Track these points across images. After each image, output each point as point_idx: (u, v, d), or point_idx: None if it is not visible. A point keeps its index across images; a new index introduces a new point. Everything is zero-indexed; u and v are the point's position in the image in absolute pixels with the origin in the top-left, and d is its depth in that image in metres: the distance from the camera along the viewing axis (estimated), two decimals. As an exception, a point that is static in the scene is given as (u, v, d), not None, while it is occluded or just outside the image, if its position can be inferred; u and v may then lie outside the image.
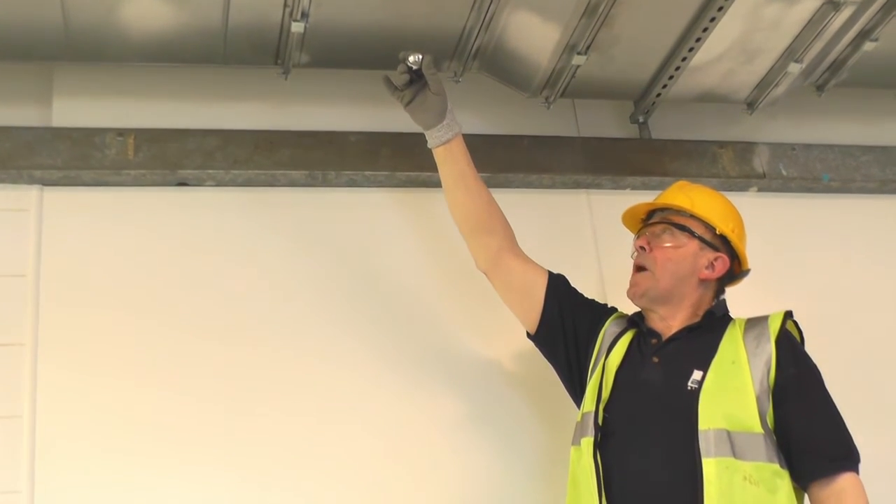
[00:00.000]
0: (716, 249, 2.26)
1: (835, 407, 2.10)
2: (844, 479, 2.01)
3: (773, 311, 2.18)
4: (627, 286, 2.29)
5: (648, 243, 2.27)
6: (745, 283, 2.35)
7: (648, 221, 2.34)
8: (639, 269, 2.28)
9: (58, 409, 2.38)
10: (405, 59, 2.26)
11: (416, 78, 2.30)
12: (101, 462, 2.35)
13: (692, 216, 2.28)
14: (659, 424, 2.09)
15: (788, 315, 2.18)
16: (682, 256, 2.24)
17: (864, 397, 2.59)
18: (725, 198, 2.36)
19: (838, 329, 2.76)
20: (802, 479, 2.05)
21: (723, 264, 2.26)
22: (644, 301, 2.26)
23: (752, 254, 2.33)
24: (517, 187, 2.79)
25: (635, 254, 2.30)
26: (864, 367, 2.77)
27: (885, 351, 2.83)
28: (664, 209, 2.33)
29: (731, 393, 2.07)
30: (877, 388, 2.76)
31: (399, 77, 2.29)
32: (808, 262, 2.91)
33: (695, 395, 2.07)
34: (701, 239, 2.26)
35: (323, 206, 2.69)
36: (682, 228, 2.26)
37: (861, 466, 2.05)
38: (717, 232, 2.27)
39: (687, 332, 2.21)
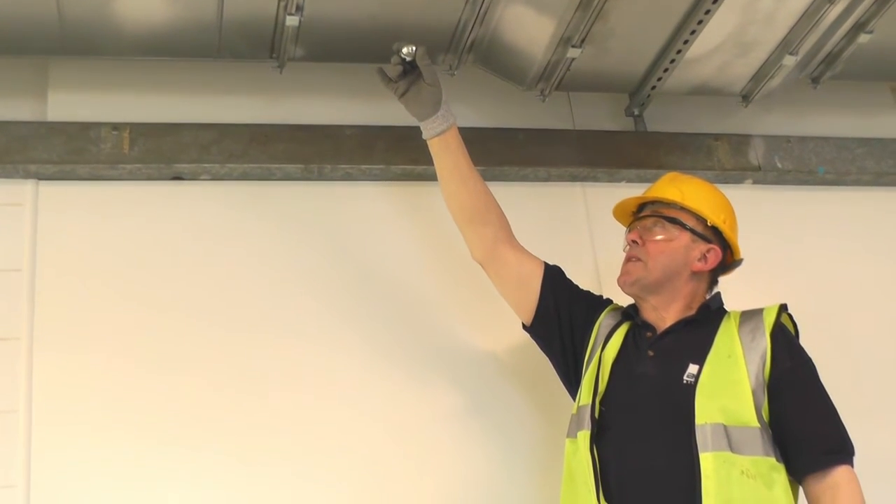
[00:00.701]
0: (708, 241, 2.26)
1: (829, 400, 2.10)
2: (839, 473, 2.02)
3: (768, 304, 2.18)
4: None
5: (640, 237, 2.27)
6: (740, 275, 2.35)
7: (639, 215, 2.34)
8: (630, 258, 2.28)
9: (54, 403, 2.38)
10: (399, 50, 2.26)
11: (410, 69, 2.30)
12: (98, 456, 2.35)
13: (683, 208, 2.28)
14: (655, 418, 2.09)
15: (783, 308, 2.18)
16: (673, 249, 2.25)
17: (859, 390, 2.59)
18: (716, 188, 2.37)
19: (833, 322, 2.77)
20: (797, 472, 2.05)
21: (715, 256, 2.26)
22: (634, 289, 2.26)
23: (747, 247, 2.34)
24: (512, 180, 2.79)
25: (627, 248, 2.31)
26: (859, 360, 2.77)
27: (879, 343, 2.83)
28: (655, 202, 2.33)
29: (728, 387, 2.07)
30: (871, 381, 2.76)
31: (393, 68, 2.29)
32: (803, 254, 2.91)
33: (691, 389, 2.07)
34: (692, 231, 2.26)
35: (318, 199, 2.69)
36: (673, 221, 2.26)
37: (857, 460, 2.05)
38: (709, 223, 2.27)
39: (682, 326, 2.21)
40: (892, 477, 2.50)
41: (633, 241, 2.28)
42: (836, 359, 2.35)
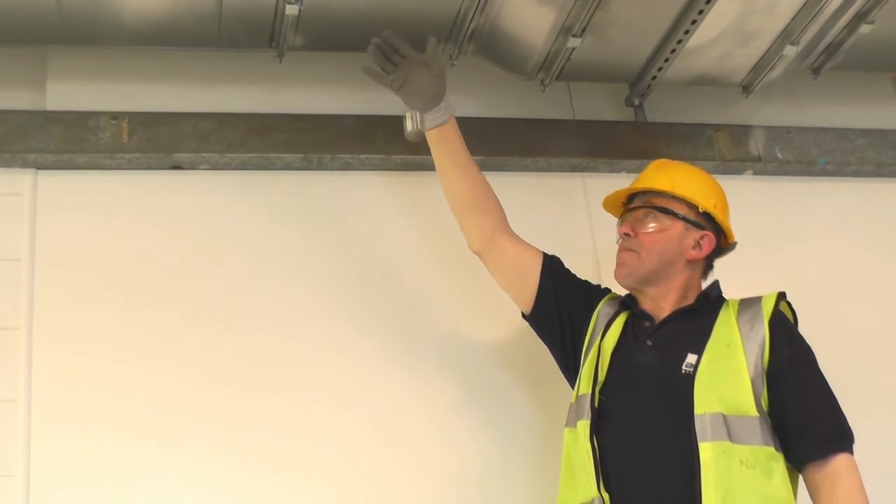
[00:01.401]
0: (701, 227, 2.25)
1: (829, 388, 2.10)
2: (839, 461, 2.01)
3: (767, 293, 2.18)
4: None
5: (633, 229, 2.26)
6: (739, 266, 2.35)
7: (630, 206, 2.32)
8: (624, 250, 2.27)
9: (53, 392, 2.38)
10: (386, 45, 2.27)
11: (400, 60, 2.30)
12: (97, 446, 2.35)
13: (674, 197, 2.26)
14: (655, 408, 2.09)
15: (782, 296, 2.18)
16: (667, 239, 2.23)
17: (859, 381, 2.58)
18: (705, 173, 2.35)
19: (833, 312, 2.76)
20: (797, 461, 2.05)
21: (709, 242, 2.25)
22: (630, 281, 2.25)
23: (747, 237, 2.33)
24: (512, 171, 2.78)
25: (620, 240, 2.29)
26: (859, 351, 2.77)
27: (879, 334, 2.83)
28: (645, 192, 2.31)
29: (726, 376, 2.06)
30: (870, 371, 2.75)
31: (374, 55, 2.29)
32: (803, 245, 2.91)
33: (690, 378, 2.07)
34: (685, 219, 2.24)
35: (317, 189, 2.68)
36: (665, 211, 2.24)
37: (857, 450, 2.04)
38: (701, 210, 2.25)
39: (680, 315, 2.21)
40: (892, 467, 2.50)
41: (626, 234, 2.26)
42: (836, 349, 2.33)
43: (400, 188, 2.72)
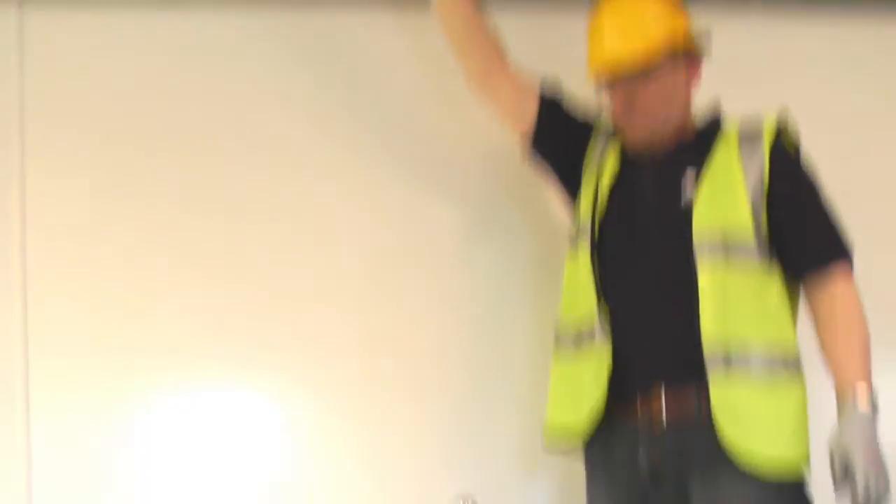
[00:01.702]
0: (683, 54, 2.14)
1: (830, 206, 2.08)
2: (837, 279, 2.01)
3: (766, 113, 2.13)
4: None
5: (627, 102, 2.12)
6: (744, 102, 2.28)
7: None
8: (628, 125, 2.15)
9: (47, 246, 2.43)
10: None
11: None
12: (92, 285, 2.44)
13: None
14: (654, 238, 2.09)
15: (782, 115, 2.12)
16: (664, 92, 2.11)
17: (857, 225, 2.56)
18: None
19: (836, 155, 2.72)
20: (796, 274, 2.06)
21: (696, 63, 2.16)
22: (645, 145, 2.15)
23: (749, 83, 2.24)
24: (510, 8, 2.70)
25: (612, 105, 2.16)
26: (860, 197, 2.73)
27: (879, 168, 2.77)
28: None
29: (725, 202, 2.05)
30: (871, 218, 2.71)
31: None
32: (806, 78, 2.82)
33: (688, 207, 2.06)
34: (670, 62, 2.11)
35: (318, 25, 2.60)
36: (651, 71, 2.10)
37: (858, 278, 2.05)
38: (678, 46, 2.13)
39: (678, 144, 2.15)
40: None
41: (624, 109, 2.13)
42: (837, 196, 2.31)
43: (402, 25, 2.63)
